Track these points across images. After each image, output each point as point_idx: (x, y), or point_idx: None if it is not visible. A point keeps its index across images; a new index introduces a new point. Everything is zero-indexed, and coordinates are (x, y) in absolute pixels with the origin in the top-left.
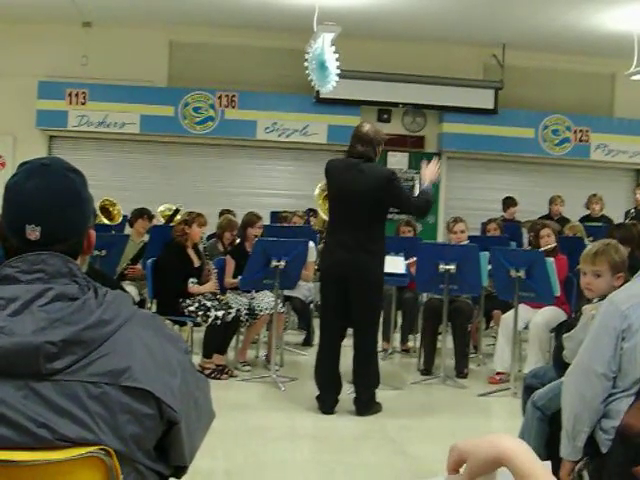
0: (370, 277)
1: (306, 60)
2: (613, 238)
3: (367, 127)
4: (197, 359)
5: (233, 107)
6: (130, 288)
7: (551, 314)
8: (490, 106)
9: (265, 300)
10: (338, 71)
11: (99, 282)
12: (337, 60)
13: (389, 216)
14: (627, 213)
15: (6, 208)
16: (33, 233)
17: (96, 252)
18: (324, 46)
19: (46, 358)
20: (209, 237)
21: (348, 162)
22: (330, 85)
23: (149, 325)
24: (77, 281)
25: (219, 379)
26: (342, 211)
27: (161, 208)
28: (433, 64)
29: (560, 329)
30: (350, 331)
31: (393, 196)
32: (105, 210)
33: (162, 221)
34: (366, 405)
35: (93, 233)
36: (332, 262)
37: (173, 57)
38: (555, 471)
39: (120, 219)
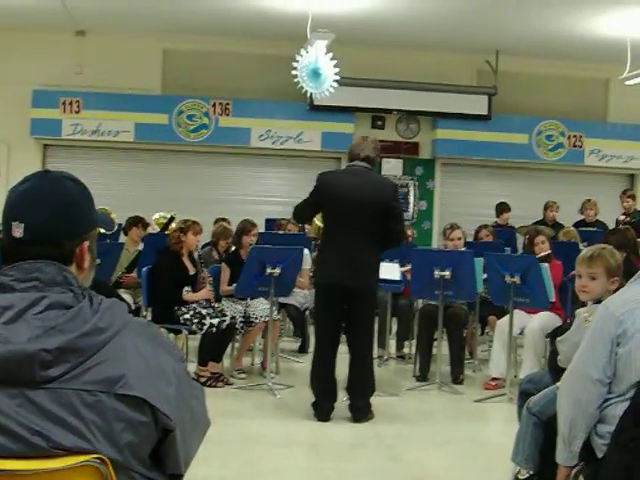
0: (370, 287)
1: (294, 69)
2: (608, 243)
3: (372, 137)
4: (192, 367)
5: (227, 115)
6: (125, 296)
7: (546, 319)
8: (484, 112)
9: (260, 307)
10: (337, 77)
11: (94, 290)
12: (335, 66)
13: None
14: (618, 221)
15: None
16: (17, 230)
17: None
18: (317, 54)
19: (41, 366)
20: (204, 245)
21: (350, 170)
22: (326, 91)
23: (144, 333)
24: (72, 289)
25: (214, 387)
26: (345, 219)
27: (156, 216)
28: (427, 71)
29: (555, 334)
30: (343, 338)
31: (395, 207)
32: None
33: (157, 229)
34: (362, 411)
35: (86, 244)
36: (332, 271)
37: (167, 65)
38: (551, 477)
39: (115, 228)
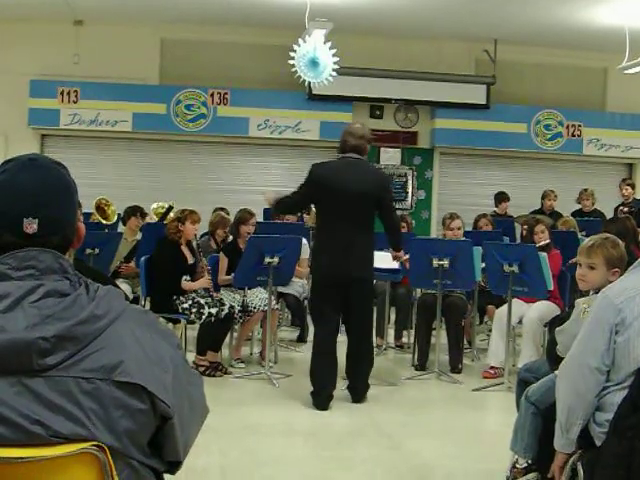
0: (368, 276)
1: (292, 58)
2: (608, 232)
3: (358, 124)
4: (191, 356)
5: (225, 104)
6: (124, 286)
7: (545, 308)
8: (482, 101)
9: (259, 297)
10: (336, 66)
11: (91, 280)
12: (334, 56)
13: None
14: (617, 209)
15: None
16: (31, 226)
17: (89, 250)
18: (315, 43)
19: (39, 354)
20: (202, 235)
21: (344, 162)
22: (324, 80)
23: (141, 320)
24: (68, 277)
25: (213, 376)
26: (340, 210)
27: (154, 206)
28: (425, 60)
29: (553, 323)
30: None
31: (385, 199)
32: (100, 209)
33: (155, 219)
34: (362, 392)
35: (82, 226)
36: (330, 262)
37: (165, 55)
38: (550, 466)
39: (115, 219)
